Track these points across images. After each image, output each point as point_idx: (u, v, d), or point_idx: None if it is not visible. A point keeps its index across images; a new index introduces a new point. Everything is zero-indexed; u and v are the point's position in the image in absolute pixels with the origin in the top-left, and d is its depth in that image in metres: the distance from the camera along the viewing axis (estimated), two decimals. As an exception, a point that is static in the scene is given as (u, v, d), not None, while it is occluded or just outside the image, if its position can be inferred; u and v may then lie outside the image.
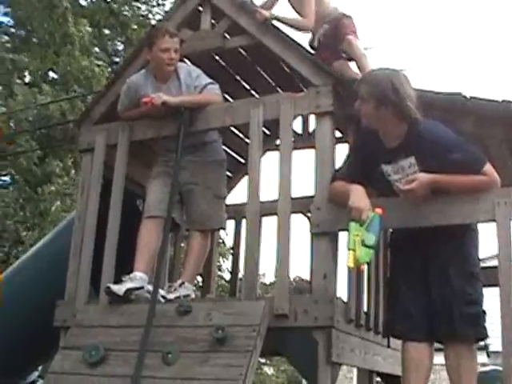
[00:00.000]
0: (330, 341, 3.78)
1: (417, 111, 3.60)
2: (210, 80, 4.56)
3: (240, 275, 5.71)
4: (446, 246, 3.67)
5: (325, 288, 3.86)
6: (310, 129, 5.52)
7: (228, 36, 4.71)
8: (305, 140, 5.34)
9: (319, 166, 4.07)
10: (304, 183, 4.53)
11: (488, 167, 3.64)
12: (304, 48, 4.37)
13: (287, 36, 4.39)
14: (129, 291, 4.23)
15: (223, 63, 5.17)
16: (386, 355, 4.75)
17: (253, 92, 5.45)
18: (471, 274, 3.66)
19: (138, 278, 4.31)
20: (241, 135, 5.64)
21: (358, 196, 3.63)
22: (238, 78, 5.35)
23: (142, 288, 4.31)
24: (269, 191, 4.40)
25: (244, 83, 5.39)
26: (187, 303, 4.07)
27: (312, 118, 5.24)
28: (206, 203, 4.59)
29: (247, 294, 4.01)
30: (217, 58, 5.07)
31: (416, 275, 3.71)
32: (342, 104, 4.14)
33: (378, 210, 3.56)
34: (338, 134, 4.66)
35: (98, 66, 10.66)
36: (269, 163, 6.27)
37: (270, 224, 4.67)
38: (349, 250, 3.49)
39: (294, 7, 4.97)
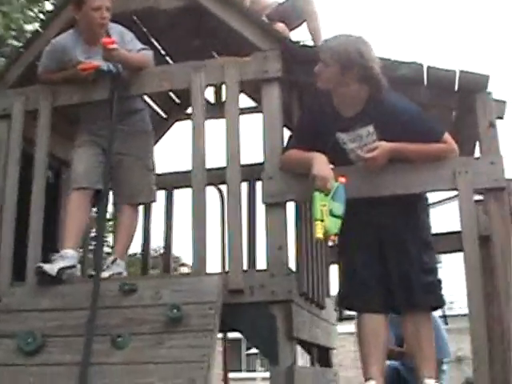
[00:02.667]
0: (290, 315, 3.65)
1: (381, 78, 3.52)
2: (143, 45, 4.25)
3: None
4: (400, 216, 3.62)
5: (281, 260, 3.71)
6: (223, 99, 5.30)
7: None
8: (216, 110, 5.13)
9: (268, 133, 3.90)
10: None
11: (447, 136, 3.62)
12: (248, 11, 4.15)
13: (229, -2, 4.16)
14: (61, 270, 3.89)
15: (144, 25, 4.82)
16: (322, 327, 4.68)
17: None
18: (426, 242, 3.64)
19: (69, 256, 3.99)
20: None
21: (322, 164, 3.49)
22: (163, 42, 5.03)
23: (73, 267, 3.99)
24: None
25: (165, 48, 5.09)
26: (131, 281, 3.80)
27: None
28: (137, 176, 4.31)
29: (197, 269, 3.79)
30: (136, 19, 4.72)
31: (370, 246, 3.63)
32: (287, 70, 3.97)
33: (342, 179, 3.44)
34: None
35: None
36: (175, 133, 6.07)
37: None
38: (316, 220, 3.35)
39: None
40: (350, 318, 4.81)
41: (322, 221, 3.34)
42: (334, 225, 3.37)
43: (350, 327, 3.71)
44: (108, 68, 4.10)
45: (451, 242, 4.31)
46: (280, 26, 4.43)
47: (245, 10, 4.16)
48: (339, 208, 3.38)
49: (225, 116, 3.96)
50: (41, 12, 10.08)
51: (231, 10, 4.12)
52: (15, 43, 9.26)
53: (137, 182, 4.31)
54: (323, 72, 3.56)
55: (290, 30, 4.69)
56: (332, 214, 3.36)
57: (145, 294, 3.68)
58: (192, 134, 3.98)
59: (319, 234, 3.34)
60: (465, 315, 3.75)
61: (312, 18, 4.63)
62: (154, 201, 4.61)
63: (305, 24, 4.77)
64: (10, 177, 4.26)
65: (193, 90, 4.01)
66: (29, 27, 9.50)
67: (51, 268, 3.87)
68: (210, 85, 4.10)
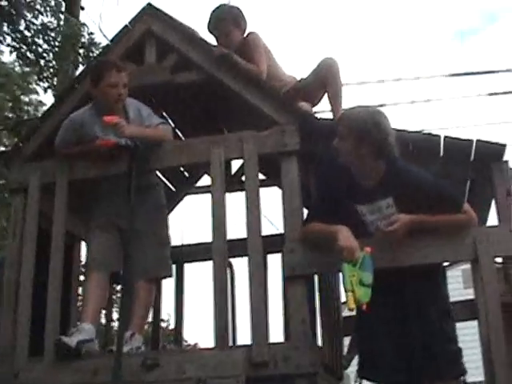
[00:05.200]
0: (315, 389, 3.62)
1: (396, 150, 3.60)
2: (161, 120, 4.31)
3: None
4: (422, 286, 3.64)
5: (304, 333, 3.70)
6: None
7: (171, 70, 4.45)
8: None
9: (288, 206, 3.93)
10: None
11: (467, 206, 3.67)
12: (265, 84, 4.24)
13: (246, 71, 4.25)
14: (80, 343, 3.86)
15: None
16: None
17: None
18: (447, 311, 3.68)
19: (86, 329, 3.95)
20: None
21: (347, 236, 3.52)
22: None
23: (92, 340, 3.95)
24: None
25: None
26: (153, 355, 3.77)
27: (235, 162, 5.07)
28: (153, 252, 4.30)
29: (219, 343, 3.76)
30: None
31: (390, 316, 3.65)
32: (305, 143, 4.04)
33: (368, 249, 3.48)
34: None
35: None
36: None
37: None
38: (347, 291, 3.39)
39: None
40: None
41: (353, 291, 3.38)
42: (365, 294, 3.40)
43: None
44: (126, 143, 4.14)
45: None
46: (303, 105, 4.46)
47: (262, 83, 4.24)
48: (368, 277, 3.42)
49: (245, 189, 3.99)
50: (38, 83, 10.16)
51: (248, 84, 4.21)
52: (11, 115, 9.35)
53: (153, 256, 4.30)
54: (341, 146, 3.63)
55: (313, 105, 4.72)
56: (362, 284, 3.40)
57: (168, 369, 3.65)
58: (212, 208, 3.99)
59: (351, 304, 3.37)
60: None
61: (335, 91, 4.53)
62: (170, 276, 4.60)
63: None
64: (27, 251, 4.23)
65: (212, 164, 4.05)
66: (26, 98, 9.59)
67: (70, 340, 3.84)
68: (229, 159, 4.15)
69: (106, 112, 4.19)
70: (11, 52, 9.99)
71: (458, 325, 3.75)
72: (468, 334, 5.01)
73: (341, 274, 3.47)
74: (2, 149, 9.92)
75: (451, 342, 3.60)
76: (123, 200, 4.09)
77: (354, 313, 3.60)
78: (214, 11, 4.80)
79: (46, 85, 9.97)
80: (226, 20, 4.71)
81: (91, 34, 10.20)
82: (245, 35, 4.74)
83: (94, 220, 4.37)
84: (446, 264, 3.96)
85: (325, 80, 4.52)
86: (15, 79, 10.01)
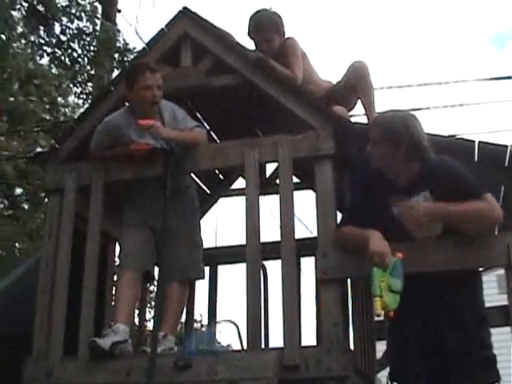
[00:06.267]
0: (346, 393, 3.62)
1: (430, 151, 3.59)
2: (196, 123, 4.34)
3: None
4: (457, 291, 3.62)
5: (336, 337, 3.70)
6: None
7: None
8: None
9: (321, 210, 3.94)
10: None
11: (489, 195, 3.56)
12: (301, 89, 4.25)
13: (281, 75, 4.27)
14: (114, 345, 3.90)
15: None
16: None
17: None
18: (483, 317, 3.65)
19: (121, 331, 3.99)
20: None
21: (379, 241, 3.51)
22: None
23: (126, 341, 3.99)
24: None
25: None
26: (185, 356, 3.79)
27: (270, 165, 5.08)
28: (185, 252, 4.33)
29: (252, 345, 3.78)
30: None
31: (423, 321, 3.63)
32: (339, 147, 4.04)
33: (400, 255, 3.47)
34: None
35: (32, 101, 9.88)
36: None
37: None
38: (376, 296, 3.38)
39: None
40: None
41: (381, 297, 3.37)
42: (393, 300, 3.39)
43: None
44: (161, 146, 4.19)
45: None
46: (338, 109, 4.44)
47: (298, 88, 4.26)
48: (398, 283, 3.41)
49: (279, 192, 4.02)
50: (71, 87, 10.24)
51: (283, 88, 4.23)
52: (48, 116, 9.42)
53: (186, 258, 4.33)
54: (375, 151, 3.63)
55: (348, 110, 4.70)
56: (391, 290, 3.39)
57: (200, 370, 3.67)
58: (246, 211, 4.02)
59: (379, 309, 3.36)
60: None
61: (366, 95, 4.55)
62: (203, 278, 4.62)
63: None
64: (62, 249, 4.30)
65: (247, 167, 4.07)
66: (62, 100, 9.67)
67: (104, 342, 3.88)
68: (264, 162, 4.17)
69: (141, 115, 4.23)
70: (42, 56, 10.08)
71: (493, 330, 3.72)
72: (503, 340, 4.97)
73: (371, 279, 3.45)
74: (39, 150, 10.03)
75: (487, 348, 3.56)
76: (157, 201, 4.14)
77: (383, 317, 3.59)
78: (255, 16, 4.79)
79: (79, 90, 10.08)
80: (269, 27, 4.69)
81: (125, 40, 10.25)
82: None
83: (128, 220, 4.41)
84: (481, 269, 3.92)
85: (355, 85, 4.53)
86: (51, 81, 10.12)
